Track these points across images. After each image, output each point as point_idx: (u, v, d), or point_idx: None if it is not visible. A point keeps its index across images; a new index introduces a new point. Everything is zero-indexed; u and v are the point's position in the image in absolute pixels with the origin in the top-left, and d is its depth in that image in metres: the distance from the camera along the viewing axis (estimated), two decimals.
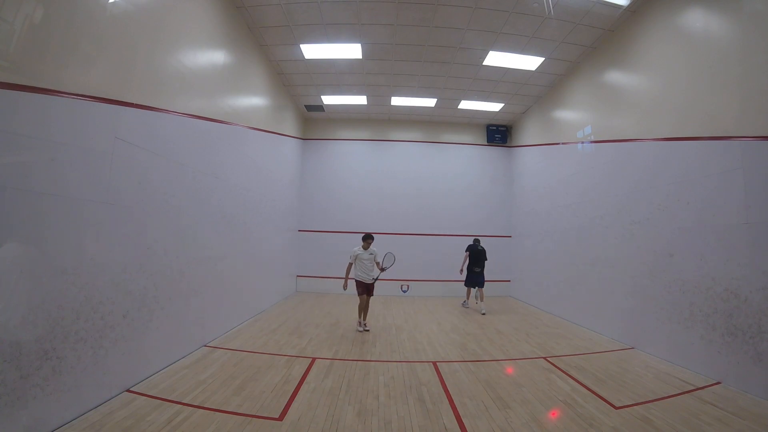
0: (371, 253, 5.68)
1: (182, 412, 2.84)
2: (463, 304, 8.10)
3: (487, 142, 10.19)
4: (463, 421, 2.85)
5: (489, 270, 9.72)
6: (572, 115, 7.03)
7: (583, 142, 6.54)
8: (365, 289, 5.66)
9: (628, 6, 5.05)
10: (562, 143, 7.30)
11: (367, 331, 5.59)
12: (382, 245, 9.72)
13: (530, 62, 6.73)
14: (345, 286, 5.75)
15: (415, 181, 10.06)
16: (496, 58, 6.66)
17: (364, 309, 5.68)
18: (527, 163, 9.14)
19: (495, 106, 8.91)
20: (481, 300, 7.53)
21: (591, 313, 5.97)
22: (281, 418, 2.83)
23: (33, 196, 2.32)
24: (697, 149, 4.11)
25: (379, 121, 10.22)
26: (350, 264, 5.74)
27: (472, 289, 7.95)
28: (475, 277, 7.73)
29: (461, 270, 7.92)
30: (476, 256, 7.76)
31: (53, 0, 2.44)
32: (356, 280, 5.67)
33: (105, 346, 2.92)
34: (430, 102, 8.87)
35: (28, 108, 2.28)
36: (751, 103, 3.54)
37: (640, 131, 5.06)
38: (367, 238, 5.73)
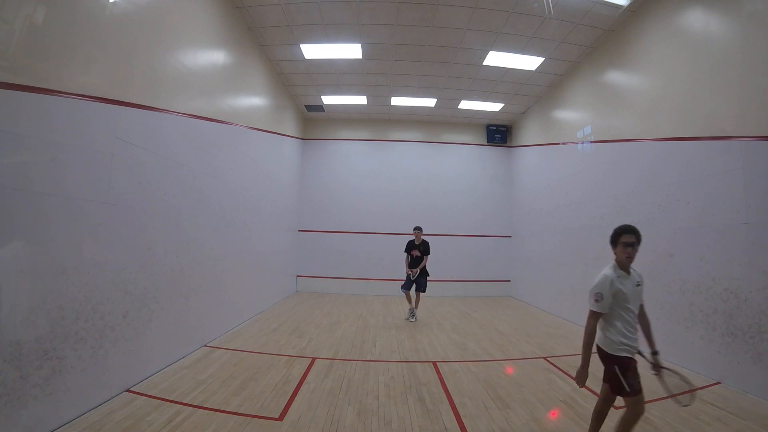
0: (638, 283, 2.29)
1: (182, 412, 2.84)
2: (412, 315, 6.56)
3: (487, 142, 10.19)
4: (463, 421, 2.85)
5: (489, 270, 9.79)
6: (572, 115, 7.02)
7: (583, 142, 6.53)
8: (638, 377, 2.19)
9: (628, 6, 5.05)
10: (563, 143, 7.29)
11: None
12: (381, 245, 9.87)
13: (530, 62, 6.72)
14: (582, 383, 2.32)
15: (415, 181, 10.05)
16: (496, 58, 6.65)
17: None
18: (527, 163, 9.14)
19: (495, 106, 8.91)
20: (416, 305, 6.51)
21: None
22: (281, 418, 2.83)
23: (33, 196, 2.32)
24: (697, 149, 4.11)
25: (379, 121, 10.22)
26: (597, 316, 2.26)
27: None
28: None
29: (410, 273, 6.43)
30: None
31: (53, 0, 2.44)
32: (618, 357, 2.21)
33: (105, 346, 2.92)
34: (430, 102, 8.86)
35: (28, 108, 2.27)
36: (751, 103, 3.54)
37: (640, 131, 5.06)
38: (632, 244, 2.22)
